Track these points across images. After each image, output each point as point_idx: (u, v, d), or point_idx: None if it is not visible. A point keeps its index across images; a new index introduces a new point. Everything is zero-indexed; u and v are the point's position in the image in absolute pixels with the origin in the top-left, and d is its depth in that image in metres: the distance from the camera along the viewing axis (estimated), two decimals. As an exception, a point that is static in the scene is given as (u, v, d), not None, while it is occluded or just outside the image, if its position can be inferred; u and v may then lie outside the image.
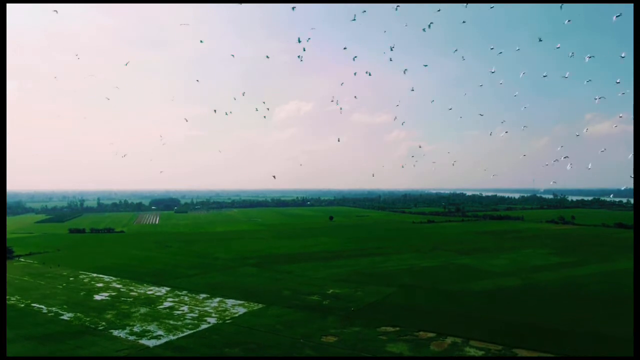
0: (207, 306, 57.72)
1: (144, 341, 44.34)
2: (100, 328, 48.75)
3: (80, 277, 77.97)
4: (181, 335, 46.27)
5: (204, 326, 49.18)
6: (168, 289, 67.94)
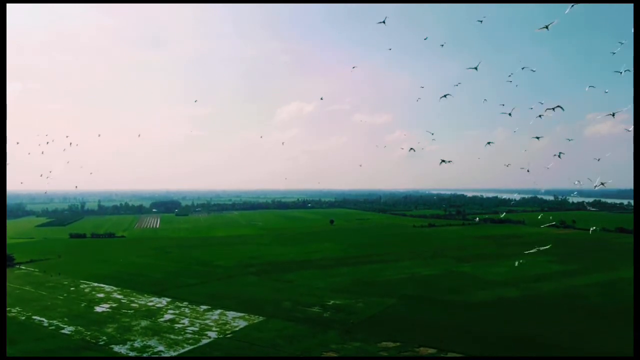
0: (208, 319, 57.72)
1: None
2: (100, 343, 48.80)
3: (81, 286, 77.95)
4: (182, 350, 46.33)
5: (204, 341, 49.19)
6: (169, 299, 67.92)
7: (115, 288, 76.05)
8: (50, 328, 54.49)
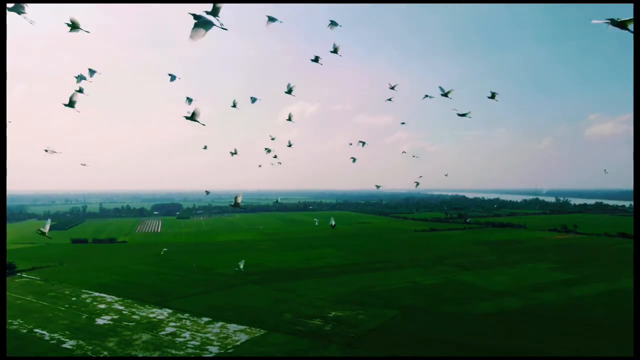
0: (209, 332, 57.81)
1: (145, 375, 44.47)
2: (102, 359, 48.89)
3: (83, 296, 78.04)
4: (183, 367, 46.41)
5: (205, 356, 49.27)
6: (170, 311, 67.93)
7: (116, 298, 76.14)
8: (52, 342, 54.59)
